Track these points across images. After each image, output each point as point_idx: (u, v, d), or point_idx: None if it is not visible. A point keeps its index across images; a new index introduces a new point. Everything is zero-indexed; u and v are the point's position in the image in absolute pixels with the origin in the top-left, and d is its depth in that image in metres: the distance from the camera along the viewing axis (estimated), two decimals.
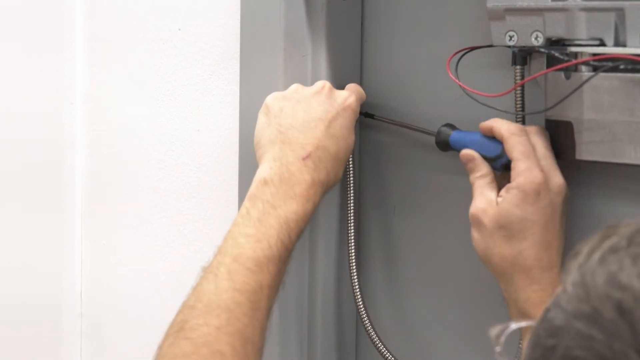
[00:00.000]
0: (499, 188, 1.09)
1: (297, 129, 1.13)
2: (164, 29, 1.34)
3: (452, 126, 1.16)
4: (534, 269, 1.05)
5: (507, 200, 1.06)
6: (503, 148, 1.09)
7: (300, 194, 1.10)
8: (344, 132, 1.14)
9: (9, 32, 1.43)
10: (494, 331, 0.74)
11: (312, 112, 1.14)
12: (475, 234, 1.08)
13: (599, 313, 0.65)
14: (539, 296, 1.05)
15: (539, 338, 0.68)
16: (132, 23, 1.37)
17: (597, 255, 0.67)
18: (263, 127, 1.15)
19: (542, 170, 1.06)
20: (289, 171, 1.11)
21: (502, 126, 1.09)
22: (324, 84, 1.16)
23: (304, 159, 1.11)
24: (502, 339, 0.73)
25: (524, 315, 1.05)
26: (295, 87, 1.17)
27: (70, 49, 1.42)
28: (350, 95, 1.16)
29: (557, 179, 1.07)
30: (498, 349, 0.73)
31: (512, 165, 1.07)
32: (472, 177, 1.11)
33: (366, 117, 1.22)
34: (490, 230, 1.07)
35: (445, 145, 1.16)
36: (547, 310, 0.68)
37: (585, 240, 0.69)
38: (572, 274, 0.68)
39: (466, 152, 1.12)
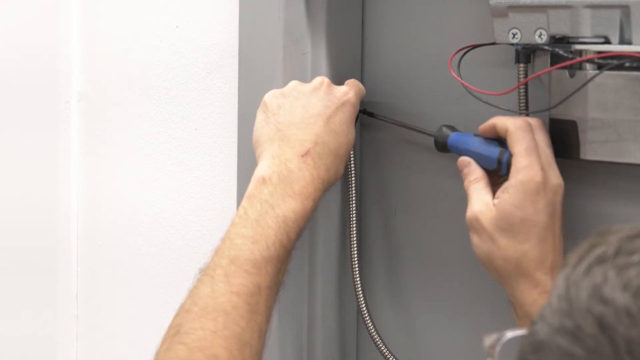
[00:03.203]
0: (493, 192, 1.07)
1: (295, 126, 1.11)
2: (161, 26, 1.33)
3: (451, 127, 1.15)
4: (537, 271, 1.03)
5: (505, 200, 1.04)
6: (501, 150, 1.07)
7: (299, 191, 1.08)
8: (343, 128, 1.13)
9: (5, 31, 1.42)
10: (487, 340, 0.71)
11: (310, 108, 1.12)
12: (475, 239, 1.06)
13: (581, 328, 0.63)
14: (545, 299, 1.03)
15: (523, 353, 0.67)
16: (128, 20, 1.36)
17: (583, 266, 0.65)
18: (261, 125, 1.14)
19: (542, 169, 1.04)
20: (288, 169, 1.09)
21: (507, 120, 1.07)
22: (322, 80, 1.14)
23: (303, 155, 1.10)
24: (497, 348, 0.71)
25: (531, 318, 1.03)
26: (293, 83, 1.16)
27: (66, 47, 1.41)
28: (349, 90, 1.15)
29: (554, 178, 1.05)
30: None
31: (513, 160, 1.05)
32: (466, 182, 1.09)
33: (365, 115, 1.21)
34: (490, 233, 1.04)
35: (443, 147, 1.14)
36: (534, 323, 0.67)
37: (575, 248, 0.67)
38: (559, 286, 0.66)
39: (462, 159, 1.10)
